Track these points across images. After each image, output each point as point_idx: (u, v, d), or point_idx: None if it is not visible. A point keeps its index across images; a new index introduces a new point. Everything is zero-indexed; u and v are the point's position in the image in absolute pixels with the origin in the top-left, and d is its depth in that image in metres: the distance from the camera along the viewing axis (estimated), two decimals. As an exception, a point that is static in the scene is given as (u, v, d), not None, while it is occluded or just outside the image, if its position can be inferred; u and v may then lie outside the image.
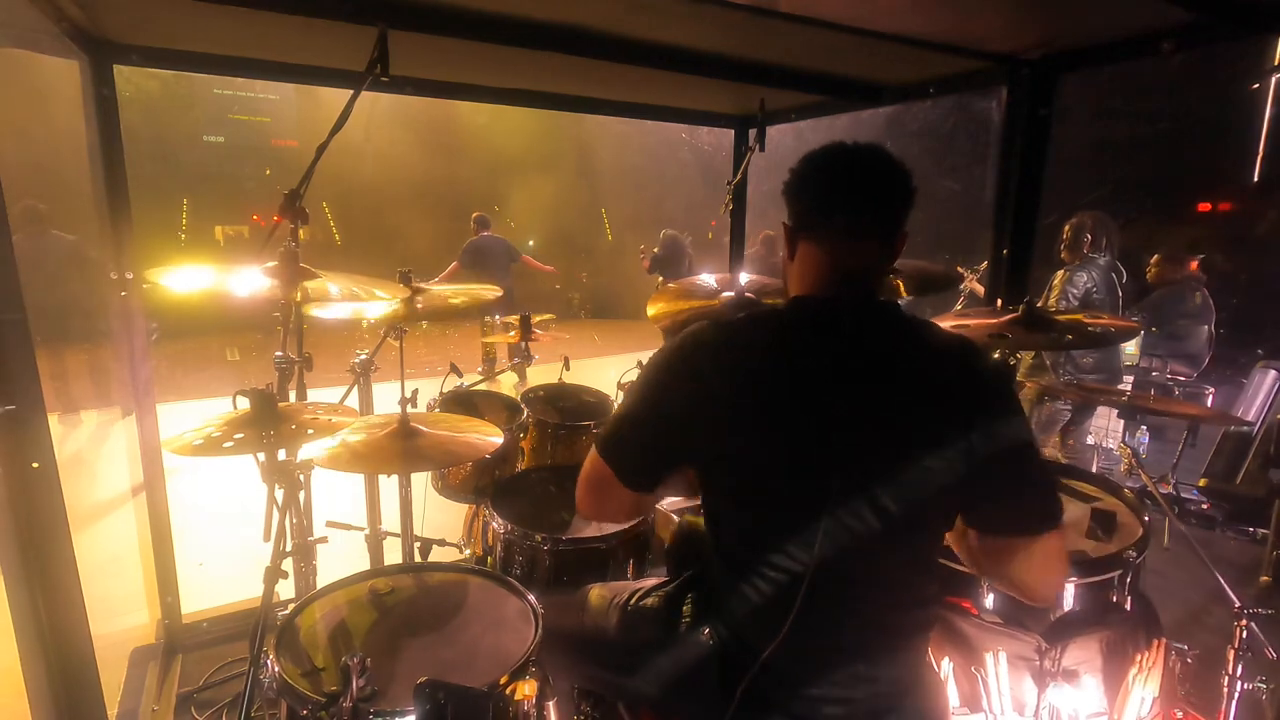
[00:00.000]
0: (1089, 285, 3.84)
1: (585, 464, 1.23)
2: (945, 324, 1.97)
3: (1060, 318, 1.93)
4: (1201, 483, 4.00)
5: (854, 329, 1.11)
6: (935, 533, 1.15)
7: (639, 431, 1.16)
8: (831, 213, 1.14)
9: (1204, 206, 8.87)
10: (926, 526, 1.12)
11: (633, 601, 1.38)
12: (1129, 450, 2.22)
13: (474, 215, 7.49)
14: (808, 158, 1.17)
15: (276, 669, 1.23)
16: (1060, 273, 3.93)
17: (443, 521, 2.56)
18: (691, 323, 2.03)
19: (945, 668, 1.55)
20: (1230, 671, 1.56)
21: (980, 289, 4.70)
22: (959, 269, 5.06)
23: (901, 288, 2.02)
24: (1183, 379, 4.69)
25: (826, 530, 1.05)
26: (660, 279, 7.75)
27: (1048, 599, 1.15)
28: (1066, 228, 3.99)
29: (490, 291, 2.06)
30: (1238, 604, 1.57)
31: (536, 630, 1.35)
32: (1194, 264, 4.74)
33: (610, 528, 1.85)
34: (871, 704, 1.12)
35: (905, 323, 1.12)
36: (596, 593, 1.47)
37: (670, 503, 2.29)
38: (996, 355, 2.07)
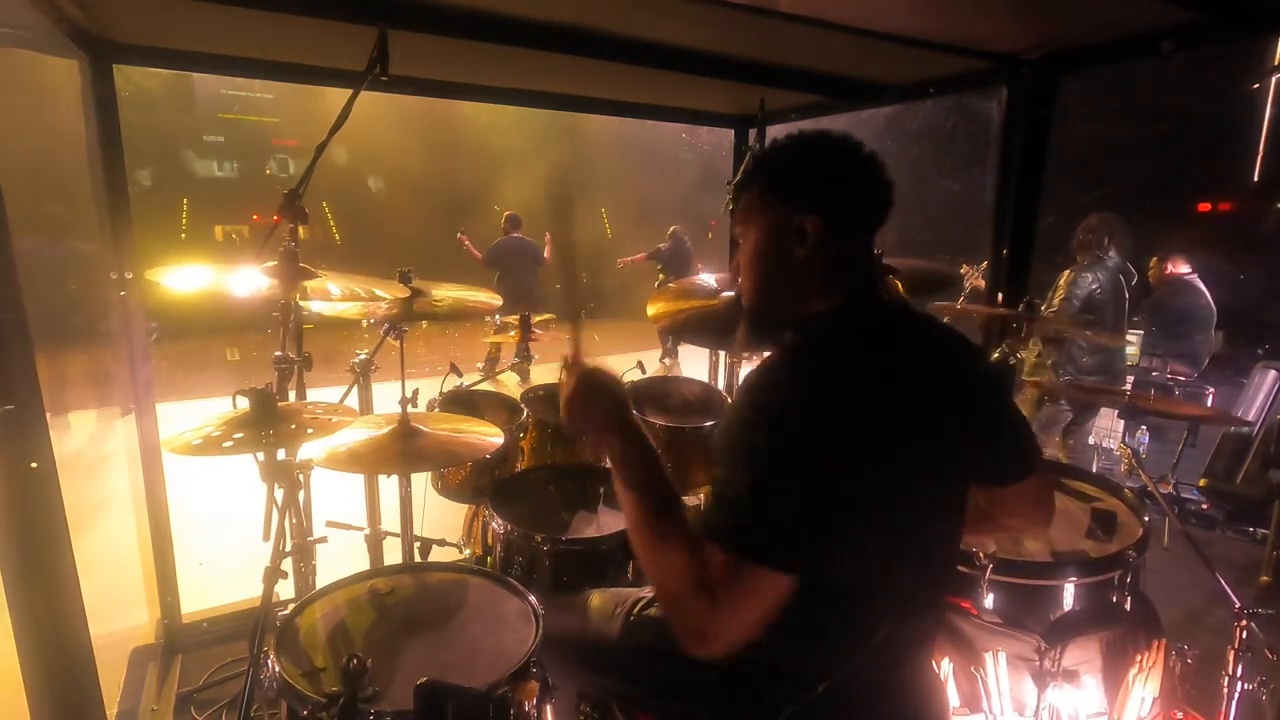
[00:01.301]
0: (1093, 286, 3.83)
1: (731, 598, 0.89)
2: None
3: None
4: (1202, 483, 4.00)
5: (921, 334, 1.12)
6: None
7: (809, 513, 0.91)
8: (873, 210, 1.09)
9: (1204, 206, 8.87)
10: (961, 528, 1.14)
11: (635, 611, 1.37)
12: (1129, 450, 2.22)
13: (506, 214, 7.08)
14: (844, 147, 1.07)
15: (276, 669, 1.23)
16: (1066, 273, 3.93)
17: (443, 521, 2.56)
18: (691, 322, 2.04)
19: (945, 668, 1.55)
20: (1230, 672, 1.56)
21: (983, 284, 4.69)
22: (964, 266, 5.02)
23: (901, 288, 2.02)
24: (1183, 379, 4.69)
25: (921, 565, 1.04)
26: (660, 273, 7.76)
27: (1045, 525, 1.27)
28: (1079, 229, 3.99)
29: (491, 299, 2.05)
30: (1238, 604, 1.57)
31: (536, 630, 1.35)
32: (1193, 271, 4.74)
33: (611, 527, 1.85)
34: (885, 713, 1.12)
35: (926, 318, 1.15)
36: (598, 599, 1.46)
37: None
38: (996, 354, 2.07)
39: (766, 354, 1.09)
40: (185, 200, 10.70)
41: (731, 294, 2.14)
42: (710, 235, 9.69)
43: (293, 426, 1.46)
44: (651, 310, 2.13)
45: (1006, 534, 1.62)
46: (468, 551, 2.35)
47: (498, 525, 1.86)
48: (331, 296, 1.63)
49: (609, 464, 1.08)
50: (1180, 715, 1.65)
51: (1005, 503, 1.23)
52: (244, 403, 1.48)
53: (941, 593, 1.17)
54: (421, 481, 2.28)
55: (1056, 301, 3.88)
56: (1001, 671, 1.51)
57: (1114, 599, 1.55)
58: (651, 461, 1.04)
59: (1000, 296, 2.28)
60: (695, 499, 2.05)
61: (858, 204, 1.08)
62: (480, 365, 7.00)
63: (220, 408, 1.54)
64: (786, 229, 1.06)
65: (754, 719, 1.10)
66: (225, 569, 3.14)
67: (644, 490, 1.02)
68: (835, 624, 1.02)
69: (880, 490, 0.96)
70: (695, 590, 0.90)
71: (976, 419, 1.11)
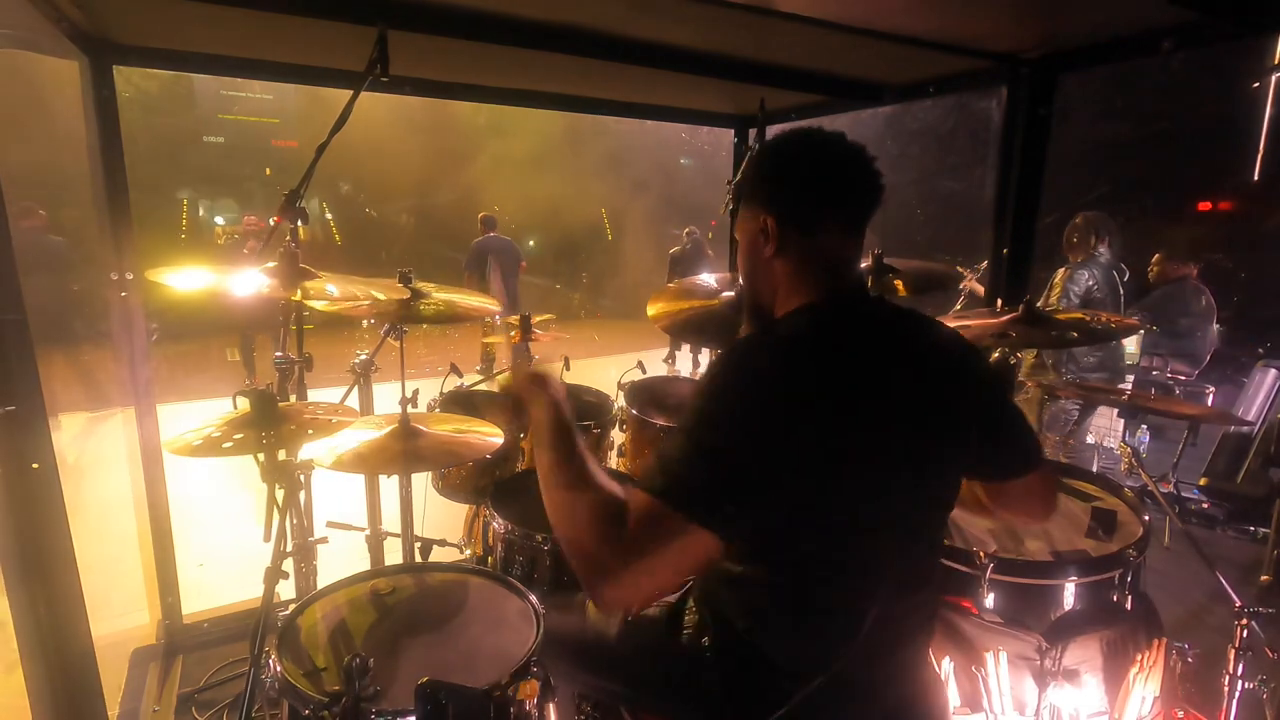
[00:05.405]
0: (1090, 283, 3.84)
1: (638, 536, 0.93)
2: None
3: (1060, 316, 1.93)
4: (1202, 482, 4.00)
5: (901, 330, 1.12)
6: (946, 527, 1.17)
7: (736, 474, 0.94)
8: (843, 206, 1.08)
9: (1204, 206, 8.87)
10: (947, 522, 1.16)
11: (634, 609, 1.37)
12: (1129, 449, 2.21)
13: (480, 215, 7.62)
14: (804, 144, 1.09)
15: (278, 669, 1.23)
16: (1062, 270, 3.94)
17: (443, 521, 2.56)
18: (691, 322, 2.04)
19: (945, 668, 1.55)
20: (1231, 671, 1.56)
21: (980, 289, 4.70)
22: (959, 269, 5.04)
23: (901, 287, 2.02)
24: (1183, 378, 4.69)
25: (899, 550, 1.04)
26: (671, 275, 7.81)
27: (1043, 519, 1.33)
28: (1069, 228, 4.00)
29: (491, 304, 2.05)
30: (1238, 603, 1.57)
31: (537, 630, 1.35)
32: (1194, 270, 4.74)
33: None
34: (887, 706, 1.12)
35: (918, 318, 1.15)
36: None
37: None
38: (997, 354, 2.07)
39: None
40: (185, 200, 10.71)
41: (731, 294, 2.14)
42: (710, 235, 9.68)
43: (293, 427, 1.46)
44: (651, 310, 2.12)
45: (1003, 524, 1.68)
46: (468, 551, 2.35)
47: (498, 525, 1.86)
48: (331, 296, 1.63)
49: (537, 435, 1.13)
50: (1181, 714, 1.65)
51: (1004, 496, 1.25)
52: (244, 403, 1.48)
53: (928, 583, 1.15)
54: (422, 482, 2.28)
55: (1053, 299, 3.88)
56: (1002, 671, 1.51)
57: (1114, 598, 1.55)
58: (569, 429, 1.10)
59: (999, 301, 2.28)
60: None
61: (808, 203, 1.08)
62: (479, 366, 7.00)
63: (221, 408, 1.54)
64: (757, 230, 1.10)
65: (755, 717, 1.10)
66: (226, 569, 3.14)
67: (558, 450, 1.09)
68: (820, 613, 1.04)
69: (806, 469, 0.95)
70: (602, 527, 0.96)
71: (966, 415, 1.11)
